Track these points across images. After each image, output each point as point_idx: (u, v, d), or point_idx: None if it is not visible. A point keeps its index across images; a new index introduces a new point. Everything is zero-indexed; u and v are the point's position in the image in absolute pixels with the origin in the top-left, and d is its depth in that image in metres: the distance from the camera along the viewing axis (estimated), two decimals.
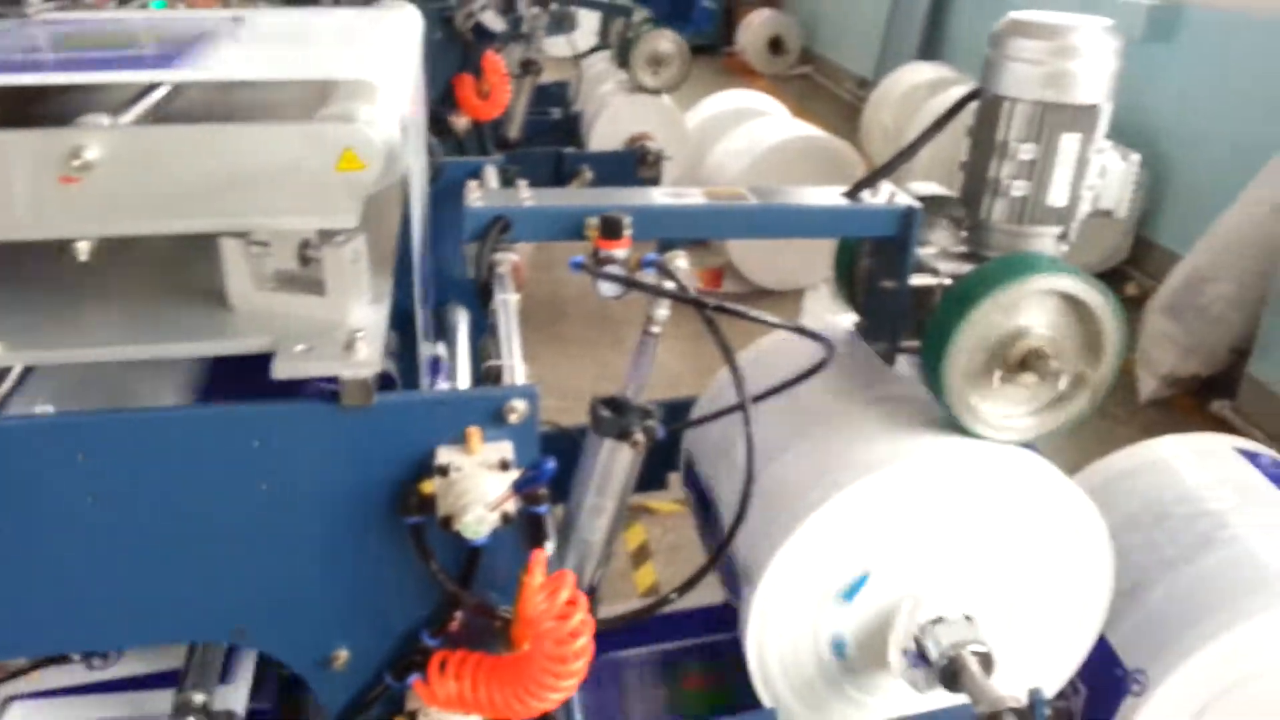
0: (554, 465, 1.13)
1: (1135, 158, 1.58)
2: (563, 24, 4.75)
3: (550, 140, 4.81)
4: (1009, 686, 1.51)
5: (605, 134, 4.90)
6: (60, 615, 1.21)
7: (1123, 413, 4.01)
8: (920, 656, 1.56)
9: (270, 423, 1.15)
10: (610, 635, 1.34)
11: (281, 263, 1.19)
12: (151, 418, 1.16)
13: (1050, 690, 1.77)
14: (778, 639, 1.62)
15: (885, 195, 1.64)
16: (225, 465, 1.16)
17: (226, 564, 1.22)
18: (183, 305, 1.22)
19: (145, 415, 1.16)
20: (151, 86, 1.34)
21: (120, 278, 1.28)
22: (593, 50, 5.91)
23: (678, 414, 2.05)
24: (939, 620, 1.57)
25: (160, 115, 1.34)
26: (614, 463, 1.50)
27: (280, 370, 1.08)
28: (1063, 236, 1.60)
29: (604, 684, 1.99)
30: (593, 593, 1.55)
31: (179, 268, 1.31)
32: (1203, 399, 4.03)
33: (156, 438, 1.14)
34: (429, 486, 1.18)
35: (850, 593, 1.61)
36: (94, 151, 1.03)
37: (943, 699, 1.61)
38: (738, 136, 5.14)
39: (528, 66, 4.38)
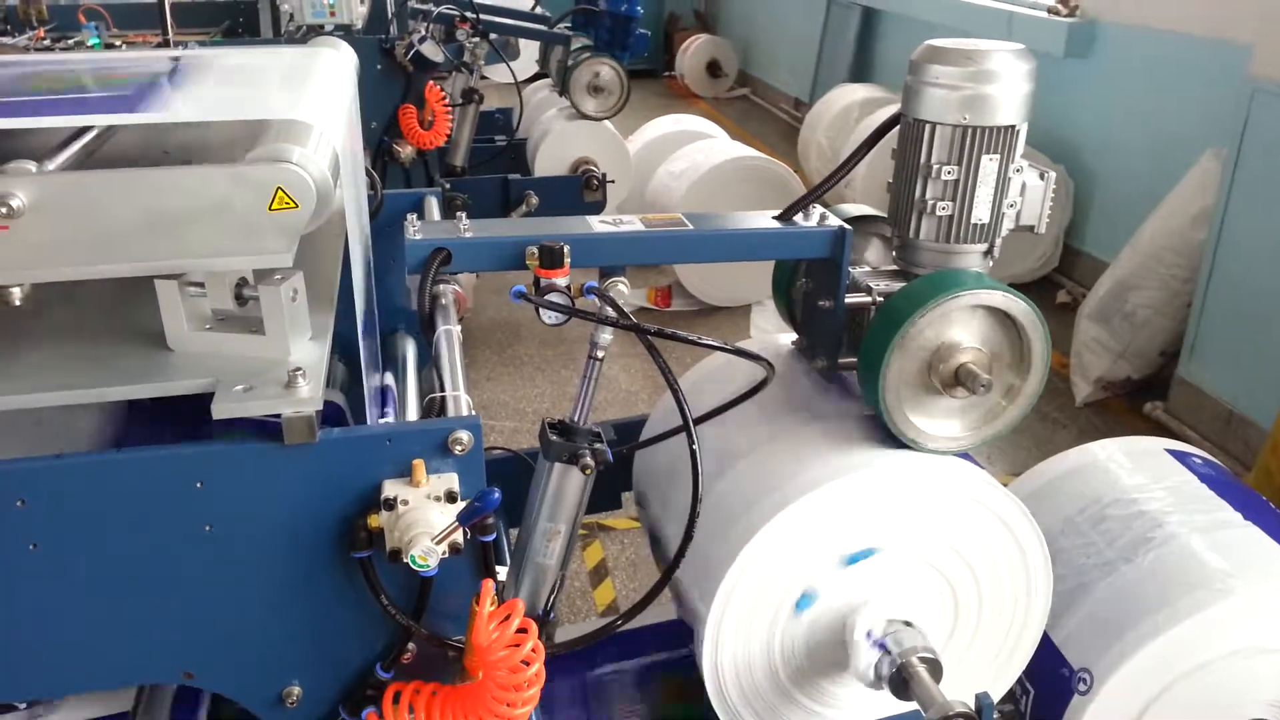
0: (499, 496, 1.15)
1: (1052, 175, 1.64)
2: (504, 52, 4.78)
3: (496, 167, 4.83)
4: (957, 692, 1.55)
5: (549, 160, 4.94)
6: (3, 663, 1.19)
7: (1062, 416, 4.13)
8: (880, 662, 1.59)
9: (213, 463, 1.15)
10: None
11: (218, 303, 1.20)
12: (92, 462, 1.15)
13: (998, 693, 1.81)
14: (731, 654, 1.64)
15: (816, 218, 1.69)
16: (168, 508, 1.16)
17: (173, 606, 1.21)
18: (121, 347, 1.22)
19: (85, 460, 1.15)
20: (82, 130, 1.34)
21: (57, 321, 1.27)
22: (535, 78, 5.95)
23: (629, 433, 2.07)
24: (887, 628, 1.60)
25: (91, 159, 1.34)
26: (565, 487, 1.52)
27: (220, 410, 1.08)
28: (988, 252, 1.65)
29: (589, 702, 1.98)
30: (549, 615, 1.56)
31: (117, 310, 1.30)
32: (1136, 401, 4.16)
33: (97, 482, 1.13)
34: (376, 521, 1.18)
35: (801, 604, 1.63)
36: (20, 199, 1.03)
37: (893, 705, 1.64)
38: (679, 159, 5.21)
39: (470, 95, 4.41)
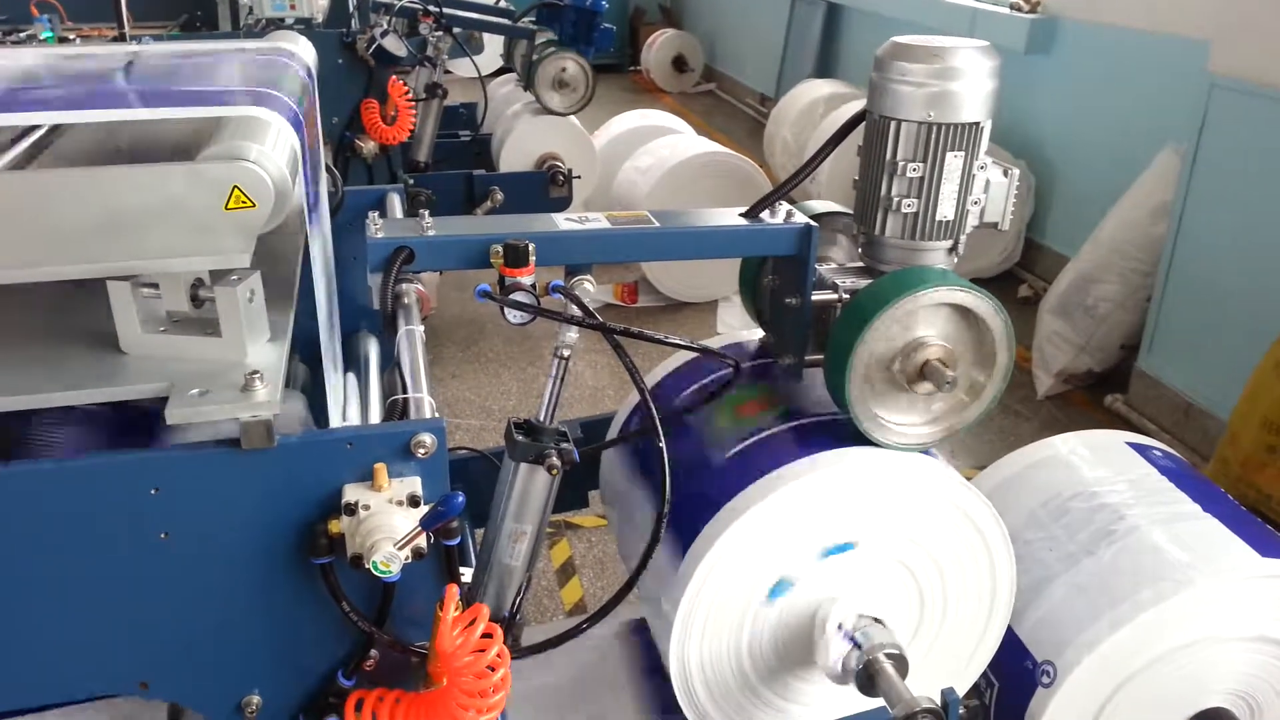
0: (463, 500, 1.13)
1: (1015, 172, 1.65)
2: (468, 47, 4.74)
3: (460, 163, 4.79)
4: (923, 687, 1.56)
5: (514, 155, 4.90)
6: None
7: (1024, 409, 4.17)
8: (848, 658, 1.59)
9: (168, 469, 1.12)
10: None
11: (173, 304, 1.17)
12: (43, 470, 1.11)
13: (963, 687, 1.83)
14: (698, 653, 1.63)
15: (782, 215, 1.68)
16: (122, 515, 1.13)
17: (128, 615, 1.18)
18: (72, 351, 1.18)
19: (36, 468, 1.11)
20: (31, 127, 1.30)
21: (4, 324, 1.23)
22: (499, 72, 5.90)
23: (596, 432, 2.06)
24: (855, 624, 1.61)
25: (41, 157, 1.30)
26: (531, 487, 1.50)
27: (174, 415, 1.05)
28: (952, 249, 1.66)
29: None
30: (515, 617, 1.55)
31: (67, 312, 1.27)
32: (1097, 393, 4.21)
33: (48, 490, 1.10)
34: (337, 526, 1.16)
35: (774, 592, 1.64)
36: None
37: (860, 702, 1.64)
38: (645, 154, 5.20)
39: (433, 90, 4.37)
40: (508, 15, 5.11)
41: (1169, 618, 1.77)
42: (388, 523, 1.14)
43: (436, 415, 1.31)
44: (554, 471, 1.46)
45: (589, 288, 1.57)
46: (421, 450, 1.19)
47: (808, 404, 1.76)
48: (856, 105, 1.69)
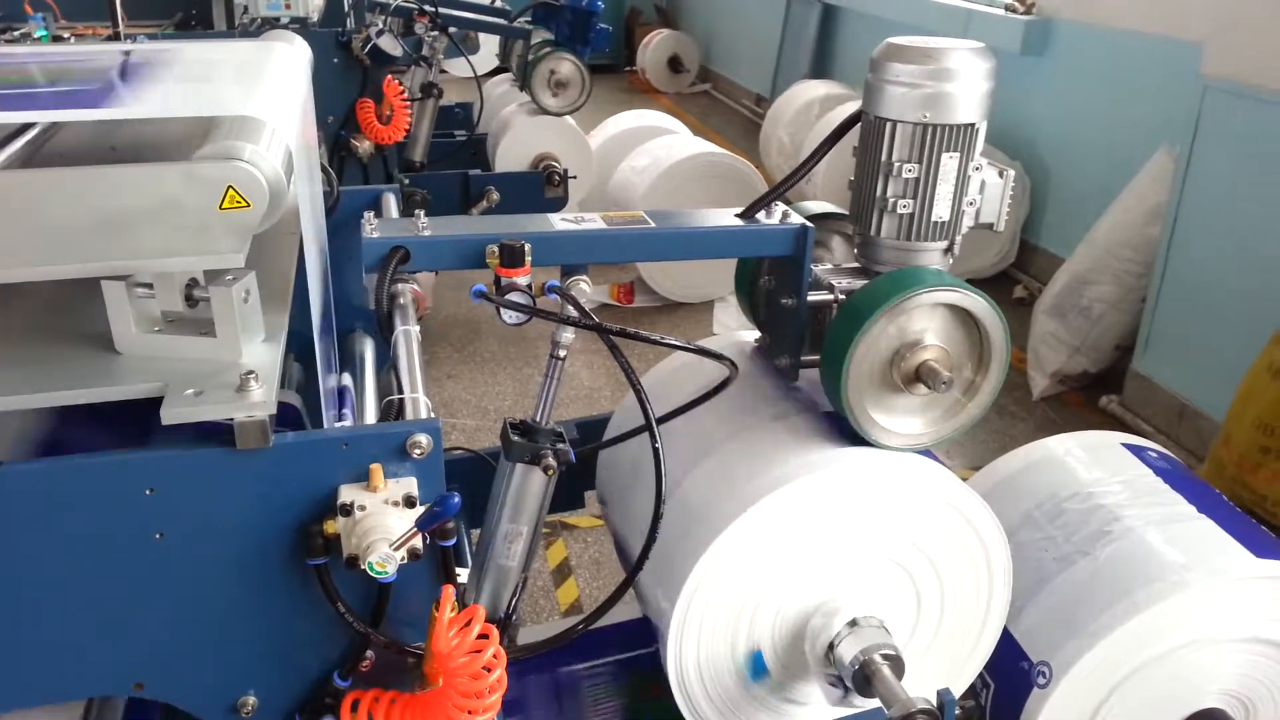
0: (459, 500, 1.13)
1: (1010, 173, 1.65)
2: (464, 46, 4.74)
3: (456, 162, 4.79)
4: (919, 687, 1.56)
5: (510, 155, 4.90)
6: None
7: (1019, 410, 4.18)
8: (832, 664, 1.59)
9: (163, 469, 1.12)
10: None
11: (168, 304, 1.17)
12: (37, 469, 1.11)
13: (959, 688, 1.83)
14: (695, 653, 1.63)
15: (778, 215, 1.69)
16: (117, 515, 1.13)
17: (123, 616, 1.18)
18: (66, 350, 1.18)
19: (31, 467, 1.11)
20: (25, 127, 1.30)
21: None
22: (495, 72, 5.90)
23: (592, 432, 2.06)
24: (851, 626, 1.61)
25: (35, 157, 1.30)
26: (526, 488, 1.50)
27: (169, 416, 1.05)
28: (948, 250, 1.66)
29: (563, 698, 1.97)
30: (511, 618, 1.54)
31: (61, 312, 1.26)
32: (1092, 394, 4.22)
33: (44, 490, 1.10)
34: (333, 526, 1.16)
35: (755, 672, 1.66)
36: None
37: (857, 703, 1.64)
38: (641, 155, 5.20)
39: (429, 90, 4.36)
40: (504, 15, 5.11)
41: (1164, 619, 1.77)
42: (383, 523, 1.13)
43: (432, 415, 1.31)
44: (550, 472, 1.46)
45: (585, 288, 1.57)
46: (417, 451, 1.19)
47: (804, 405, 1.76)
48: (852, 106, 1.69)
